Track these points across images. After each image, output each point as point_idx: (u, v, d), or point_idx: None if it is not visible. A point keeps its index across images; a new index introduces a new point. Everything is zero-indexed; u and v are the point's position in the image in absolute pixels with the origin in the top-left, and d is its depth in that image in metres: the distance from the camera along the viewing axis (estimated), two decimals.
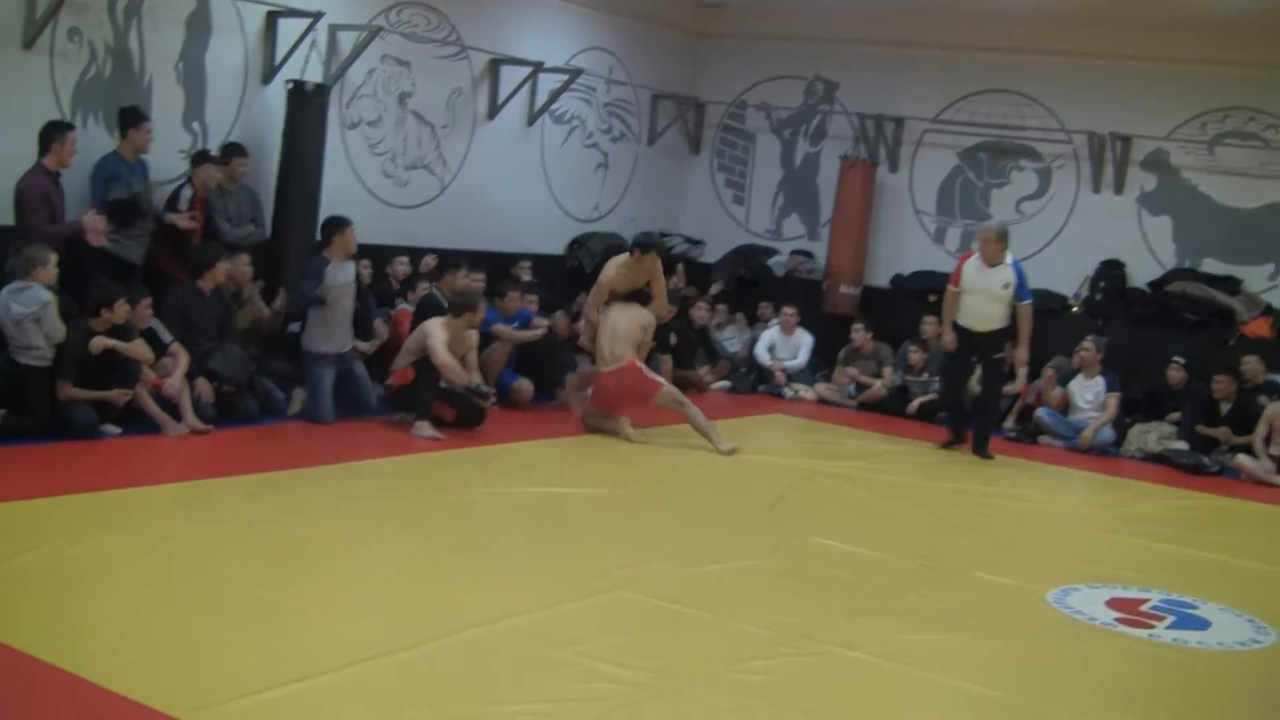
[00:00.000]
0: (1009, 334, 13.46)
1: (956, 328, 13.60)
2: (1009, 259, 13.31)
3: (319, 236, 12.36)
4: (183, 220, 11.54)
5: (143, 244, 11.29)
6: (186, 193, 12.01)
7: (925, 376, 15.57)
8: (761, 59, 18.76)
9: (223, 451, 10.31)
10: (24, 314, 9.82)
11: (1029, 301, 13.31)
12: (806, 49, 18.37)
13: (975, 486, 12.09)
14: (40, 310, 9.86)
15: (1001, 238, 13.33)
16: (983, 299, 13.32)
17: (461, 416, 11.91)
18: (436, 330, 11.72)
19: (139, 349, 10.52)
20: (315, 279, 11.81)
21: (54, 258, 10.13)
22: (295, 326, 12.22)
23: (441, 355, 11.54)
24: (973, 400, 14.08)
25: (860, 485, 11.62)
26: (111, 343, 10.30)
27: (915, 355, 15.69)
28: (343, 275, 11.99)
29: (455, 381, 11.71)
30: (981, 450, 13.49)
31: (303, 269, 12.05)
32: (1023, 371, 14.40)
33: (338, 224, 12.13)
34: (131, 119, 11.51)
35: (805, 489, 11.37)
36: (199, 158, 12.19)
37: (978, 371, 13.89)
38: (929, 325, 15.74)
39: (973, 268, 13.42)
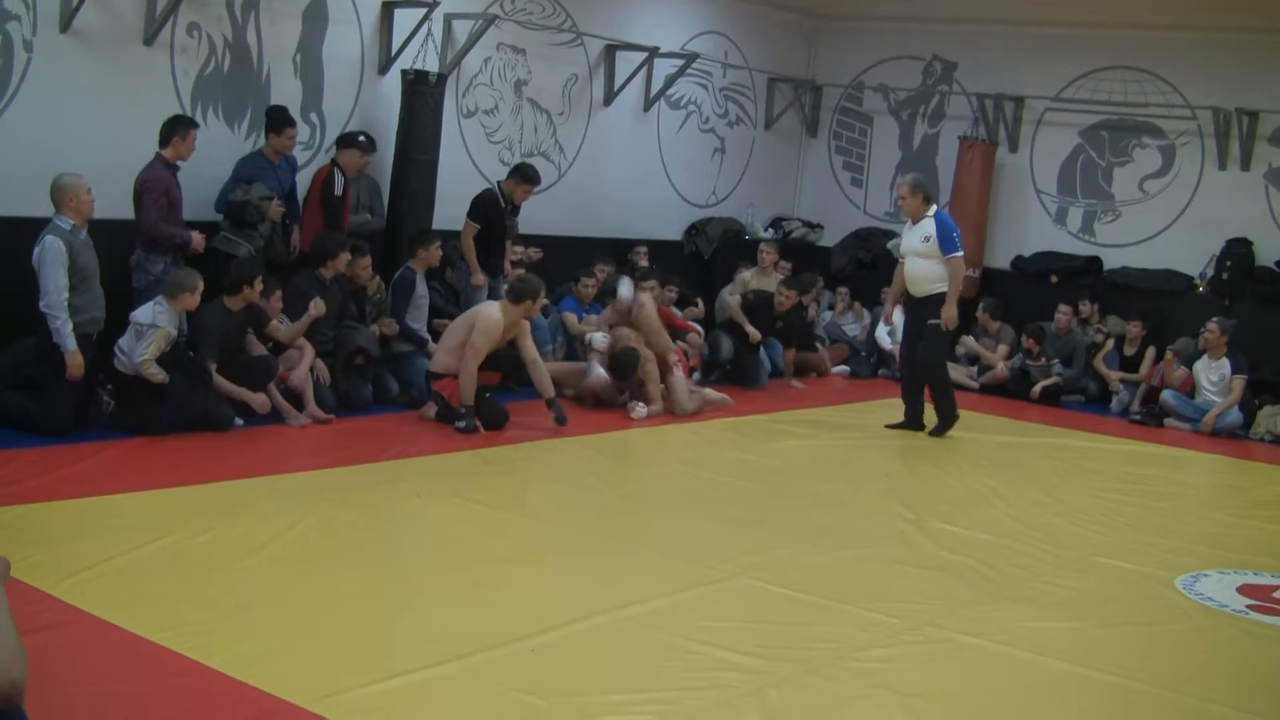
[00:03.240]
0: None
1: (906, 297, 12.80)
2: (931, 211, 12.50)
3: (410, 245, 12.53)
4: (272, 210, 11.58)
5: (254, 244, 11.34)
6: (339, 177, 12.16)
7: (1044, 361, 15.37)
8: (878, 40, 18.61)
9: (344, 440, 10.40)
10: (143, 324, 9.92)
11: (957, 254, 12.39)
12: (924, 29, 18.20)
13: (1098, 468, 11.92)
14: (147, 329, 9.90)
15: (916, 188, 12.53)
16: (910, 261, 12.53)
17: (486, 419, 11.31)
18: (489, 321, 11.23)
19: (282, 332, 10.74)
20: (405, 297, 12.09)
21: (200, 285, 10.18)
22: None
23: (471, 365, 11.05)
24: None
25: (979, 468, 11.49)
26: (275, 332, 10.68)
27: (1029, 341, 15.48)
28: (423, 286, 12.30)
29: (456, 396, 11.18)
30: (943, 427, 12.75)
31: (396, 291, 12.20)
32: (952, 323, 12.71)
33: (426, 239, 12.29)
34: (275, 123, 11.67)
35: (923, 472, 11.29)
36: (345, 140, 12.32)
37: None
38: (1061, 314, 15.56)
39: (903, 232, 12.85)
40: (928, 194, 12.60)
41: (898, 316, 13.36)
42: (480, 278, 12.75)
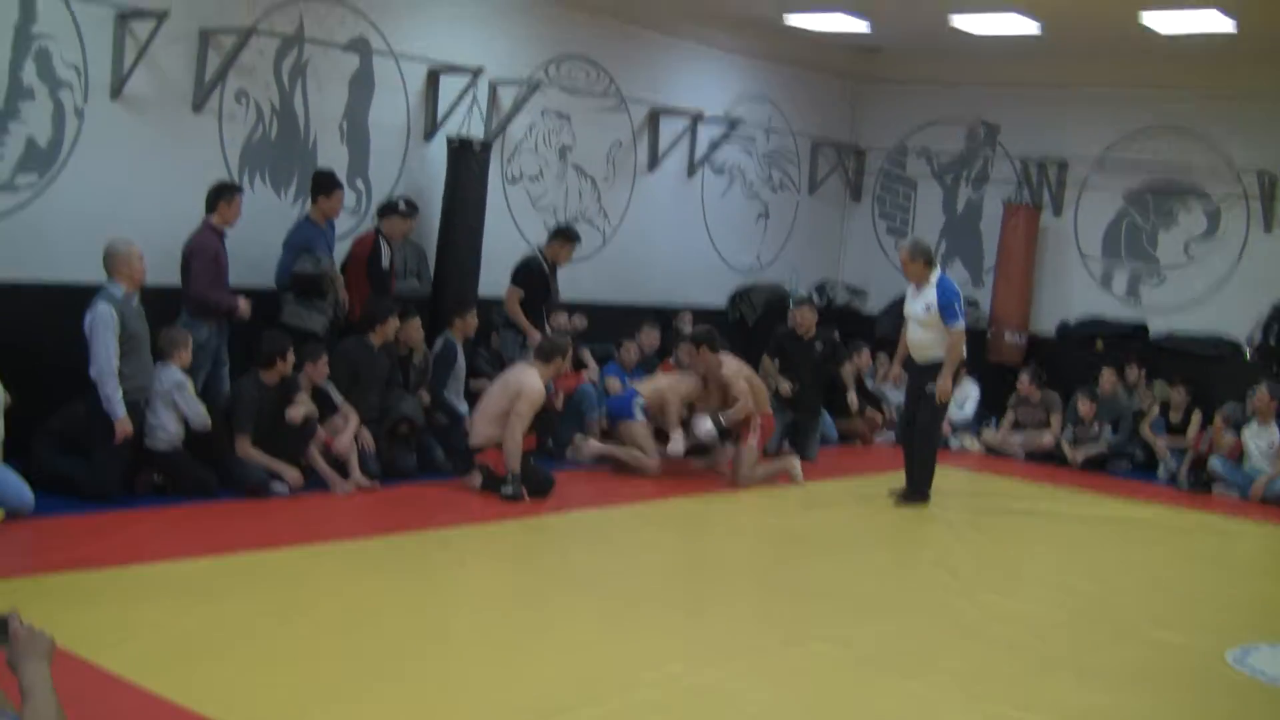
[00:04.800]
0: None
1: (908, 362, 12.53)
2: (934, 277, 12.08)
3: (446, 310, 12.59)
4: (339, 280, 11.64)
5: (325, 315, 11.42)
6: (384, 247, 12.19)
7: (1096, 429, 15.26)
8: (921, 103, 18.61)
9: (389, 508, 10.39)
10: (158, 392, 9.96)
11: (958, 324, 11.95)
12: (967, 92, 18.18)
13: (1146, 537, 11.82)
14: (175, 392, 9.99)
15: (915, 253, 12.18)
16: (912, 326, 12.22)
17: (531, 485, 11.20)
18: (531, 384, 11.23)
19: (309, 407, 10.66)
20: (448, 368, 12.16)
21: (191, 340, 10.28)
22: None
23: (517, 432, 10.98)
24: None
25: (1026, 537, 11.44)
26: (304, 410, 10.55)
27: (1085, 406, 15.34)
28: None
29: (502, 466, 11.06)
30: (911, 496, 12.26)
31: (438, 363, 12.23)
32: (946, 397, 12.34)
33: (463, 307, 12.39)
34: (323, 186, 11.70)
35: (972, 541, 11.19)
36: (386, 209, 12.36)
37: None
38: (1106, 379, 15.45)
39: (908, 293, 12.35)
40: (929, 258, 12.19)
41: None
42: (537, 336, 12.78)
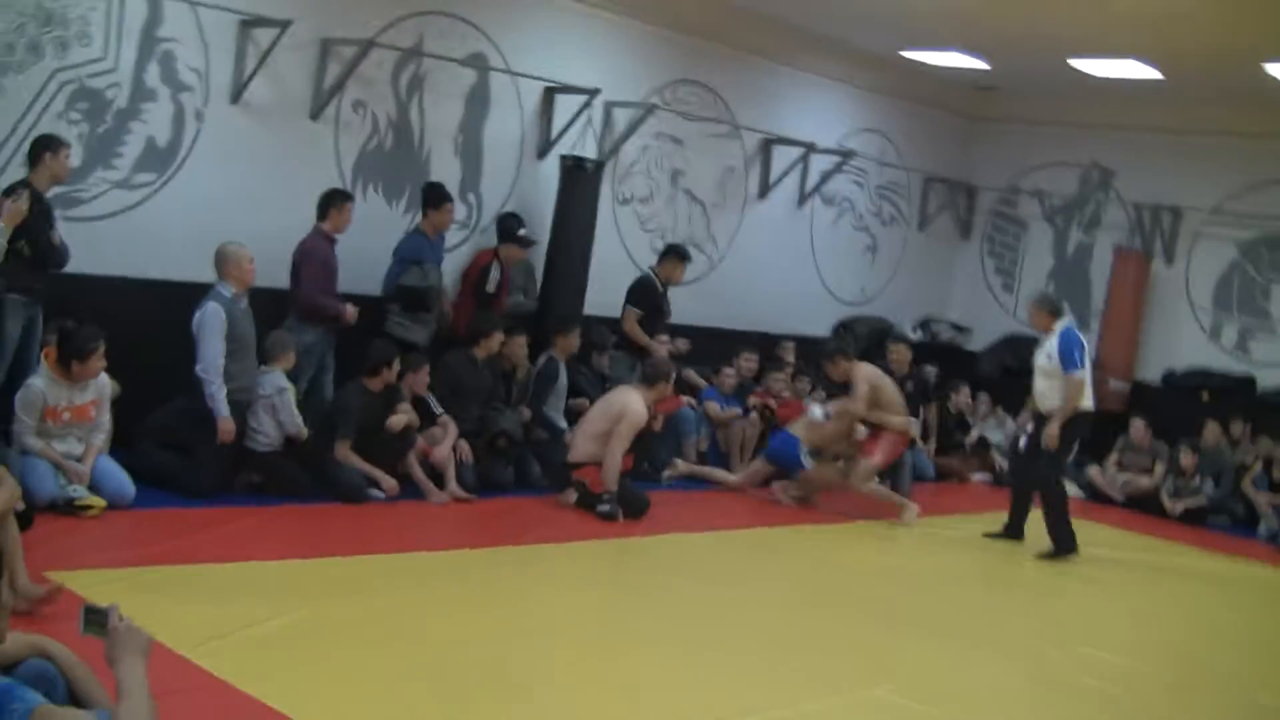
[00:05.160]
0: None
1: (1035, 411, 12.39)
2: (1059, 326, 11.99)
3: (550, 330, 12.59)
4: (444, 294, 11.75)
5: (429, 328, 11.51)
6: (495, 270, 12.29)
7: (1197, 481, 15.02)
8: (1036, 144, 18.47)
9: (483, 521, 10.42)
10: (260, 396, 10.09)
11: (1075, 372, 11.75)
12: (1083, 135, 18.02)
13: (1245, 597, 11.63)
14: (275, 397, 10.11)
15: (1039, 304, 12.33)
16: (1037, 375, 12.13)
17: (627, 505, 11.21)
18: (635, 407, 11.27)
19: (410, 416, 10.73)
20: (548, 386, 12.23)
21: (296, 345, 10.45)
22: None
23: (617, 452, 11.05)
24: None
25: (1121, 587, 11.27)
26: (405, 419, 10.61)
27: (1187, 458, 15.10)
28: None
29: (598, 483, 11.12)
30: (1052, 554, 11.91)
31: (539, 381, 12.28)
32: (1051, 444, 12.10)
33: (566, 326, 12.41)
34: (434, 199, 11.80)
35: (1065, 587, 11.07)
36: (506, 234, 12.45)
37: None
38: (1210, 432, 15.22)
39: (1039, 344, 12.29)
40: (1052, 308, 12.21)
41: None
42: (662, 351, 12.90)
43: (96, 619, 4.15)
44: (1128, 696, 8.02)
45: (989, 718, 7.21)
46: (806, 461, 12.78)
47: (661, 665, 7.39)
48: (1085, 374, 11.87)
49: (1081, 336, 12.08)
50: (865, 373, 12.79)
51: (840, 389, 12.96)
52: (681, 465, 13.01)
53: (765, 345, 15.40)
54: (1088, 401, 11.94)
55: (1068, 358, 11.79)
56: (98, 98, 10.15)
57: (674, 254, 13.45)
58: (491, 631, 7.59)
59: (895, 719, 7.02)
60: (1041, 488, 12.13)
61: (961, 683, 7.81)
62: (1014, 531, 12.42)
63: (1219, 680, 8.72)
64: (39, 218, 8.94)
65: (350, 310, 10.90)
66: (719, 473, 13.23)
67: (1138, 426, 15.62)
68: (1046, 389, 11.96)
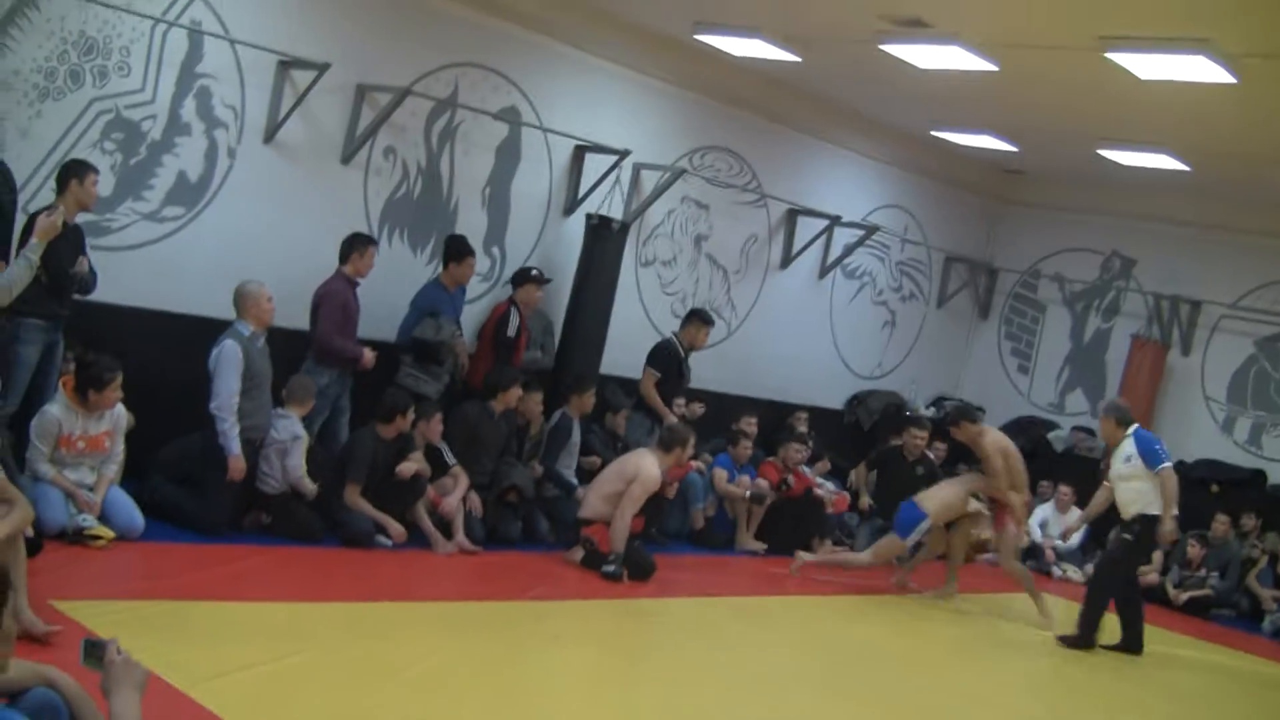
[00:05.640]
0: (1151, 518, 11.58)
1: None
2: (1130, 431, 11.79)
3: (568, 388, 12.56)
4: (459, 346, 11.76)
5: (441, 381, 11.52)
6: (515, 317, 12.30)
7: (1203, 572, 14.96)
8: (1059, 229, 18.54)
9: (489, 574, 10.40)
10: (274, 440, 10.11)
11: (1166, 465, 11.50)
12: (1106, 222, 18.10)
13: (1248, 691, 11.56)
14: (289, 443, 10.13)
15: (1107, 413, 12.07)
16: (1118, 487, 11.84)
17: (633, 568, 11.17)
18: (649, 470, 11.21)
19: (422, 465, 10.73)
20: (561, 443, 12.24)
21: (315, 390, 10.47)
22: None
23: (627, 514, 11.01)
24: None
25: (1125, 677, 11.20)
26: (415, 467, 10.60)
27: (1194, 550, 15.05)
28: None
29: (607, 543, 11.08)
30: (1074, 641, 11.76)
31: (553, 438, 12.28)
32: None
33: (581, 385, 12.41)
34: (456, 252, 11.82)
35: (1067, 673, 11.02)
36: (520, 277, 12.48)
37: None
38: (1219, 524, 15.16)
39: (1113, 456, 12.06)
40: (1121, 417, 11.92)
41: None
42: (673, 418, 12.85)
43: (95, 651, 4.17)
44: None
45: None
46: (918, 536, 12.68)
47: None
48: (1172, 467, 11.64)
49: (1153, 435, 11.96)
50: (998, 443, 12.71)
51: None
52: (808, 556, 13.00)
53: (778, 414, 15.40)
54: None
55: (1151, 455, 11.57)
56: (133, 129, 10.22)
57: (697, 318, 13.45)
58: (489, 685, 7.59)
59: None
60: (1095, 577, 12.21)
61: None
62: (1132, 644, 11.99)
63: None
64: (61, 245, 8.94)
65: (368, 354, 10.92)
66: (852, 556, 13.08)
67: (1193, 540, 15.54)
68: (1132, 494, 11.67)
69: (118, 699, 4.03)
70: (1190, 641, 13.17)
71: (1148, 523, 11.57)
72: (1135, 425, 11.93)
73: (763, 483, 13.46)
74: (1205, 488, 16.44)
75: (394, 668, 7.44)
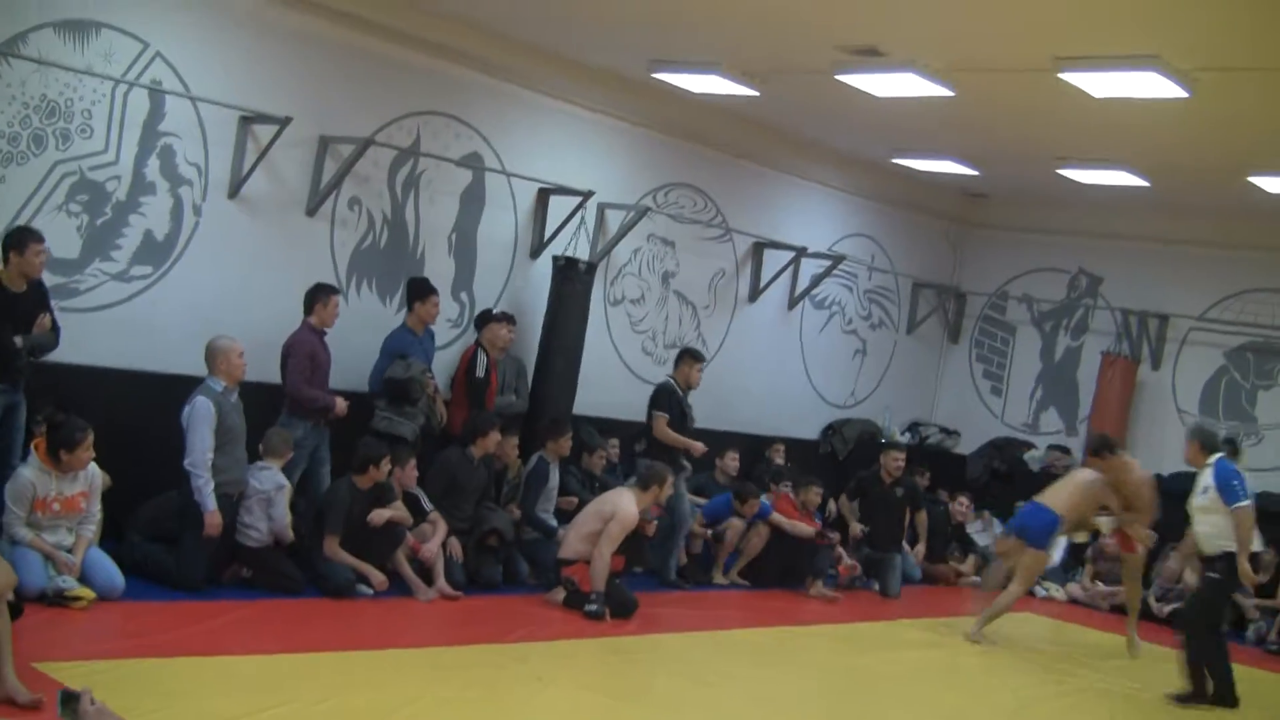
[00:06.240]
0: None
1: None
2: (1212, 459, 11.07)
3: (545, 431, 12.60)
4: (430, 385, 11.75)
5: (416, 421, 11.54)
6: (482, 358, 12.33)
7: (1181, 586, 15.01)
8: (1024, 250, 18.66)
9: (471, 618, 10.40)
10: (257, 491, 10.13)
11: (1241, 504, 10.71)
12: (1071, 241, 18.22)
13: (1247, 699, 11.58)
14: (273, 493, 10.18)
15: (1192, 436, 11.49)
16: (1196, 517, 11.19)
17: (615, 606, 11.16)
18: (626, 508, 11.24)
19: (401, 512, 10.75)
20: (538, 488, 12.26)
21: (288, 441, 10.51)
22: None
23: (606, 552, 11.01)
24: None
25: (1111, 695, 11.22)
26: (389, 514, 10.60)
27: (1174, 562, 15.08)
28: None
29: (588, 583, 11.08)
30: (1187, 698, 11.04)
31: (530, 482, 12.29)
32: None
33: (557, 429, 12.45)
34: (419, 291, 11.86)
35: (1052, 693, 11.03)
36: (483, 318, 12.54)
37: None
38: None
39: (1194, 484, 11.33)
40: (1205, 441, 11.29)
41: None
42: (701, 447, 12.84)
43: (71, 703, 4.18)
44: None
45: None
46: (1050, 542, 12.72)
47: None
48: (1250, 506, 10.87)
49: (1235, 467, 11.11)
50: (1148, 477, 12.74)
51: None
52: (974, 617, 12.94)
53: (754, 446, 15.45)
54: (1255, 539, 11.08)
55: (1228, 490, 10.84)
56: (98, 189, 10.25)
57: (688, 356, 13.24)
58: None
59: None
60: (1190, 629, 11.28)
61: None
62: (1221, 697, 11.17)
63: None
64: (8, 310, 9.00)
65: (340, 404, 10.95)
66: (1005, 596, 12.72)
67: (1108, 540, 15.59)
68: (1208, 528, 11.04)
69: None
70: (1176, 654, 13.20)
71: (1231, 559, 10.87)
72: (1220, 454, 11.20)
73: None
74: (1181, 500, 16.48)
75: (379, 714, 7.44)
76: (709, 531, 13.57)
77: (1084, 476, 12.97)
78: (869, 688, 10.27)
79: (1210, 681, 11.02)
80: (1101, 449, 12.75)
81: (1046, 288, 18.57)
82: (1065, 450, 17.74)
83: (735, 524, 13.54)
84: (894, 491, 14.52)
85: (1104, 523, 12.85)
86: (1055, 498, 12.68)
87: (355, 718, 7.36)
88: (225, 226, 11.05)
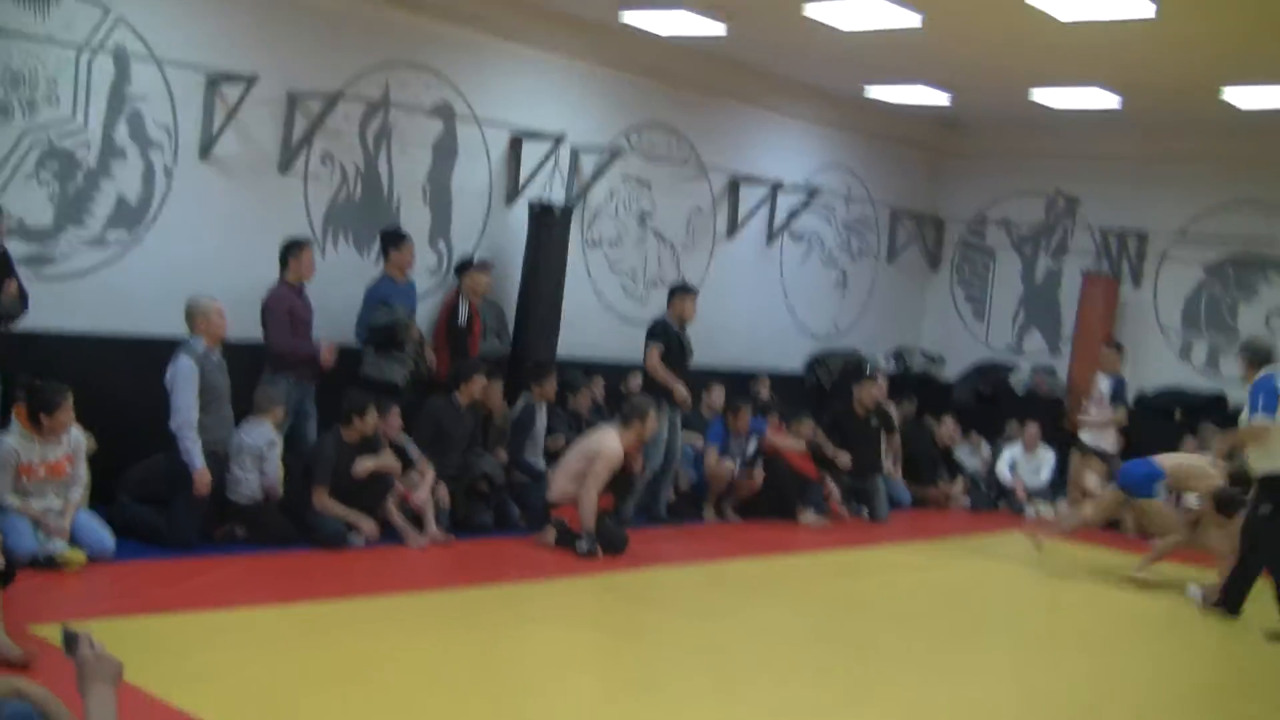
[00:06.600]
0: None
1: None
2: (1258, 375, 10.69)
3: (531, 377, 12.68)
4: (414, 330, 11.79)
5: (405, 365, 11.61)
6: (463, 305, 12.39)
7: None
8: (1002, 175, 18.69)
9: (463, 563, 10.47)
10: (248, 448, 10.19)
11: (1253, 416, 10.51)
12: (1047, 164, 18.24)
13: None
14: (265, 449, 10.24)
15: (1242, 351, 11.29)
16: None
17: (606, 543, 11.22)
18: (610, 447, 11.29)
19: (388, 461, 10.81)
20: (525, 431, 12.43)
21: (278, 397, 10.57)
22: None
23: (593, 492, 11.07)
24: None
25: (1097, 604, 11.34)
26: (373, 465, 10.66)
27: None
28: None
29: (578, 523, 11.16)
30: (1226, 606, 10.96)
31: (517, 426, 12.43)
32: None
33: (542, 372, 12.56)
34: (392, 239, 11.91)
35: (1042, 608, 11.15)
36: (462, 266, 12.59)
37: None
38: (1187, 447, 15.26)
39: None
40: (1253, 356, 10.93)
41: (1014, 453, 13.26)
42: (683, 392, 12.80)
43: (71, 642, 4.21)
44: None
45: None
46: (1160, 492, 12.55)
47: (646, 702, 7.42)
48: (1263, 419, 10.46)
49: (1273, 383, 10.58)
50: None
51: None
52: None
53: (739, 382, 15.50)
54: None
55: (1251, 402, 10.57)
56: (68, 157, 10.27)
57: (680, 291, 13.18)
58: (475, 671, 7.67)
59: None
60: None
61: (939, 709, 7.90)
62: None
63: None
64: None
65: (327, 348, 11.01)
66: (1075, 515, 13.30)
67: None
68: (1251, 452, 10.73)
69: (92, 696, 4.06)
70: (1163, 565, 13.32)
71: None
72: (1271, 368, 10.72)
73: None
74: (1169, 415, 16.62)
75: (373, 662, 7.50)
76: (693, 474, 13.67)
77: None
78: (864, 611, 10.33)
79: None
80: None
81: (1025, 211, 18.62)
82: (1050, 371, 17.83)
83: (728, 465, 13.60)
84: (869, 422, 14.70)
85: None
86: (1167, 458, 12.52)
87: (353, 664, 7.42)
88: (198, 188, 11.07)
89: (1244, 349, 11.30)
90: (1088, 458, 15.34)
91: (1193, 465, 12.48)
